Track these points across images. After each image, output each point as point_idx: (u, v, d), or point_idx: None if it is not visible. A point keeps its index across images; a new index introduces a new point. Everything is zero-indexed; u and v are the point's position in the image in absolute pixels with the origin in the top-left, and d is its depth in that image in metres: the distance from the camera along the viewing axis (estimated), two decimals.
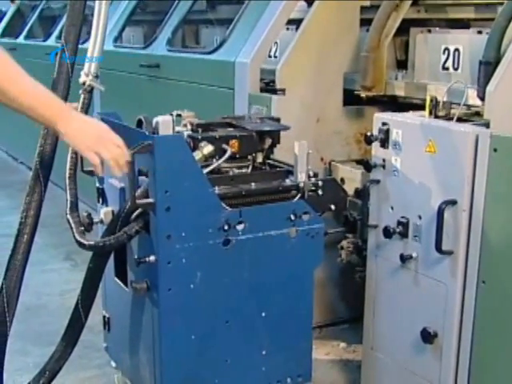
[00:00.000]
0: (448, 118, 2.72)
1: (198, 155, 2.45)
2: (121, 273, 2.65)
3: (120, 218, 2.37)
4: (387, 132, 2.80)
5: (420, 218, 2.70)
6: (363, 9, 3.66)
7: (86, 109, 2.64)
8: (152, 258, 2.31)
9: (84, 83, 2.65)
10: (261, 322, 2.53)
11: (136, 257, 2.39)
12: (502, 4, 2.72)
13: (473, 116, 2.77)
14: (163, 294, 2.33)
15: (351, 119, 3.74)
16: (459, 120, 2.68)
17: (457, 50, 3.07)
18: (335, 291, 3.88)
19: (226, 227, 2.38)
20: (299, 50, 3.56)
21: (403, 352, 2.87)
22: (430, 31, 3.24)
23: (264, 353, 2.56)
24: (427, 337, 2.70)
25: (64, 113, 2.16)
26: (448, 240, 2.58)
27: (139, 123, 2.55)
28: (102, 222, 2.55)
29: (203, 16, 5.42)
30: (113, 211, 2.54)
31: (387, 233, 2.82)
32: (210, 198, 2.35)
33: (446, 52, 3.11)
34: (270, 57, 3.93)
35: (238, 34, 3.93)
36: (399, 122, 2.77)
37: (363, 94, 3.38)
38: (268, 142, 2.67)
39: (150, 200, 2.28)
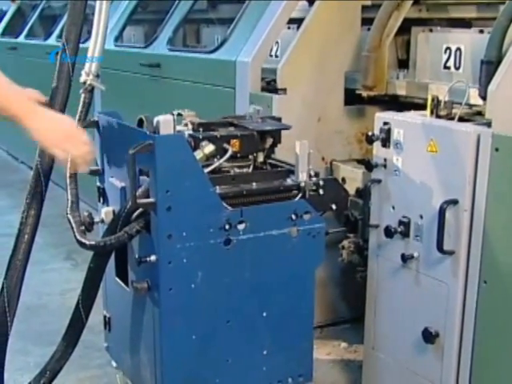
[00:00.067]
0: (449, 117, 2.71)
1: (198, 155, 2.45)
2: (121, 272, 2.64)
3: (121, 218, 2.37)
4: (388, 131, 2.80)
5: (421, 217, 2.70)
6: (364, 8, 3.66)
7: (87, 108, 2.64)
8: (153, 257, 2.30)
9: (85, 82, 2.64)
10: (262, 321, 2.53)
11: (137, 256, 2.38)
12: (503, 3, 2.72)
13: (474, 115, 2.77)
14: (164, 294, 2.33)
15: (352, 119, 3.73)
16: (461, 119, 2.68)
17: (458, 49, 3.07)
18: (336, 291, 3.88)
19: (227, 227, 2.37)
20: (300, 50, 3.55)
21: (404, 352, 2.86)
22: (431, 30, 3.24)
23: (265, 353, 2.56)
24: (428, 337, 2.70)
25: (31, 109, 2.16)
26: (449, 240, 2.57)
27: (140, 123, 2.55)
28: (102, 221, 2.54)
29: (204, 15, 5.42)
30: (114, 211, 2.54)
31: (388, 232, 2.82)
32: (211, 198, 2.35)
33: (448, 51, 3.11)
34: (271, 56, 3.92)
35: (239, 34, 3.93)
36: (400, 122, 2.77)
37: (364, 94, 3.38)
38: (269, 141, 2.67)
39: (151, 200, 2.27)
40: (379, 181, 2.89)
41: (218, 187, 2.42)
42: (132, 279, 2.53)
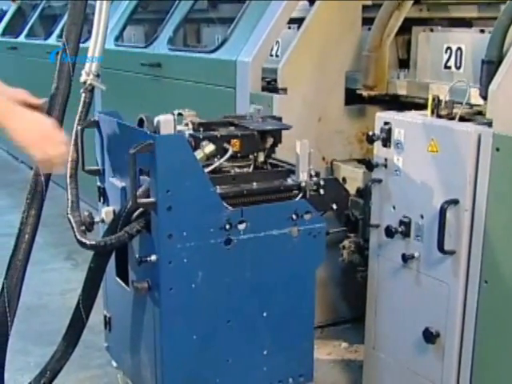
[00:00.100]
0: (450, 117, 2.71)
1: (199, 154, 2.44)
2: (122, 272, 2.64)
3: (121, 218, 2.37)
4: (389, 131, 2.79)
5: (422, 217, 2.70)
6: (365, 8, 3.65)
7: (87, 108, 2.64)
8: (153, 257, 2.30)
9: (85, 82, 2.64)
10: (262, 321, 2.52)
11: (137, 256, 2.38)
12: (504, 3, 2.71)
13: (475, 115, 2.76)
14: (164, 294, 2.32)
15: (353, 118, 3.73)
16: (461, 119, 2.67)
17: (459, 48, 3.06)
18: (337, 291, 3.88)
19: (227, 227, 2.37)
20: (301, 49, 3.55)
21: (405, 352, 2.86)
22: (432, 30, 3.23)
23: (265, 353, 2.56)
24: (429, 337, 2.70)
25: (9, 109, 2.16)
26: (450, 240, 2.57)
27: (140, 122, 2.54)
28: (103, 221, 2.54)
29: (204, 15, 5.42)
30: (114, 210, 2.54)
31: (389, 232, 2.82)
32: (211, 198, 2.35)
33: (449, 51, 3.11)
34: (271, 56, 3.92)
35: (239, 33, 3.93)
36: (401, 122, 2.76)
37: (365, 93, 3.38)
38: (269, 141, 2.66)
39: (152, 199, 2.27)
40: (380, 181, 2.89)
41: (218, 187, 2.41)
42: (132, 279, 2.52)
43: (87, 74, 2.63)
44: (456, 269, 2.59)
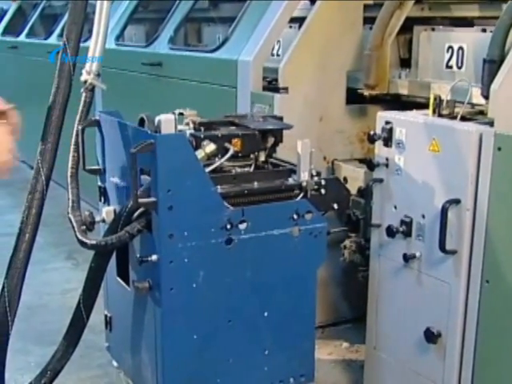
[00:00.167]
0: (452, 116, 2.71)
1: (200, 154, 2.44)
2: (123, 272, 2.64)
3: (122, 217, 2.36)
4: (390, 131, 2.79)
5: (423, 217, 2.69)
6: (366, 7, 3.65)
7: (88, 107, 2.63)
8: (154, 257, 2.30)
9: (86, 81, 2.64)
10: (263, 321, 2.52)
11: (138, 256, 2.38)
12: (506, 2, 2.71)
13: (477, 115, 2.76)
14: (165, 294, 2.32)
15: (354, 118, 3.73)
16: (463, 119, 2.67)
17: (461, 48, 3.06)
18: (338, 291, 3.87)
19: (228, 226, 2.37)
20: (302, 49, 3.55)
21: (406, 352, 2.86)
22: (433, 29, 3.23)
23: (266, 353, 2.55)
24: (431, 337, 2.69)
25: None
26: (452, 239, 2.57)
27: (141, 122, 2.54)
28: (103, 221, 2.54)
29: (205, 14, 5.41)
30: (115, 210, 2.53)
31: (390, 232, 2.81)
32: (212, 197, 2.34)
33: (450, 50, 3.10)
34: (272, 55, 3.92)
35: (240, 32, 3.92)
36: (402, 121, 2.76)
37: (366, 93, 3.38)
38: (271, 140, 2.66)
39: (152, 199, 2.26)
40: (381, 180, 2.88)
41: (219, 187, 2.41)
42: (133, 279, 2.52)
43: (88, 73, 2.63)
44: (457, 268, 2.58)
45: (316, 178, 2.55)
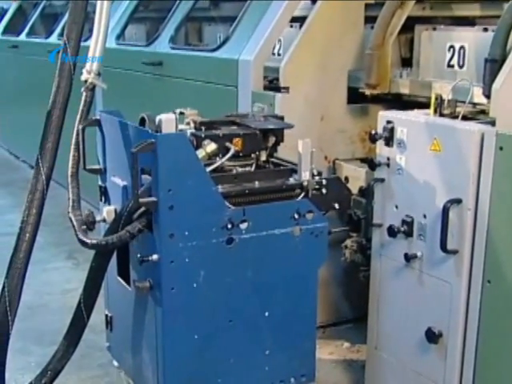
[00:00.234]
0: (453, 116, 2.70)
1: (201, 153, 2.44)
2: (123, 272, 2.63)
3: (123, 217, 2.36)
4: (392, 130, 2.78)
5: (425, 216, 2.69)
6: (368, 6, 3.64)
7: (89, 107, 2.63)
8: (155, 256, 2.29)
9: (86, 81, 2.63)
10: (264, 321, 2.52)
11: (139, 256, 2.37)
12: (507, 1, 2.70)
13: (478, 114, 2.76)
14: (166, 293, 2.32)
15: (355, 117, 3.72)
16: (464, 118, 2.67)
17: (462, 47, 3.05)
18: (339, 291, 3.87)
19: (229, 226, 2.36)
20: (303, 48, 3.54)
21: (408, 352, 2.85)
22: (435, 29, 3.22)
23: (267, 352, 2.55)
24: (432, 336, 2.69)
25: None
26: (453, 239, 2.56)
27: (142, 121, 2.53)
28: (104, 220, 2.53)
29: (206, 13, 5.41)
30: (115, 210, 2.53)
31: (392, 232, 2.81)
32: (213, 197, 2.34)
33: (451, 49, 3.10)
34: (273, 54, 3.91)
35: (241, 32, 3.92)
36: (404, 121, 2.75)
37: (367, 92, 3.37)
38: (272, 140, 2.66)
39: (153, 198, 2.26)
40: (382, 180, 2.87)
41: (220, 186, 2.41)
42: (134, 278, 2.52)
43: (88, 72, 2.62)
44: (459, 268, 2.58)
45: (317, 178, 2.55)
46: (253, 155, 2.62)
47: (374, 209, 2.95)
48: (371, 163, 2.92)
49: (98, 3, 2.62)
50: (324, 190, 2.56)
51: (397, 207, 2.82)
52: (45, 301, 4.34)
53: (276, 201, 2.49)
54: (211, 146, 2.47)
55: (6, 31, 8.60)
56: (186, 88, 4.29)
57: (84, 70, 2.64)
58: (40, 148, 2.51)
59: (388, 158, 2.83)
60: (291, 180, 2.56)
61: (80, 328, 2.56)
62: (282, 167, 2.64)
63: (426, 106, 2.86)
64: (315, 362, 2.69)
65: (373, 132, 2.86)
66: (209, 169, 2.42)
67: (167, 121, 2.39)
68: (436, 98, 2.72)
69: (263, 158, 2.66)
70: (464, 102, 2.71)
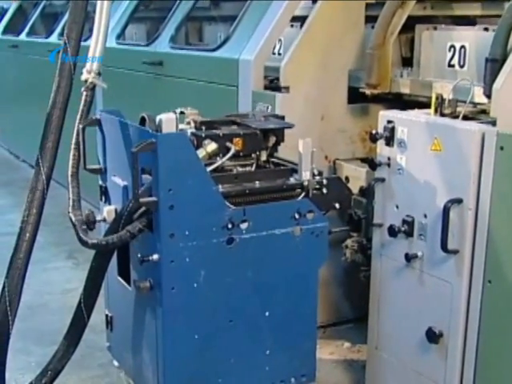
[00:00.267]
0: (454, 115, 2.70)
1: (201, 153, 2.43)
2: (124, 272, 2.63)
3: (123, 217, 2.36)
4: (392, 130, 2.78)
5: (425, 216, 2.68)
6: (368, 6, 3.64)
7: (89, 106, 2.63)
8: (155, 256, 2.29)
9: (86, 81, 2.63)
10: (264, 321, 2.51)
11: (139, 255, 2.37)
12: (508, 0, 2.70)
13: (479, 114, 2.75)
14: (166, 293, 2.32)
15: (356, 117, 3.72)
16: (465, 118, 2.66)
17: (463, 47, 3.05)
18: (339, 290, 3.87)
19: (229, 226, 2.36)
20: (304, 48, 3.54)
21: (408, 352, 2.85)
22: (435, 28, 3.22)
23: (268, 352, 2.55)
24: (432, 336, 2.69)
25: None
26: (453, 239, 2.56)
27: (142, 121, 2.53)
28: (104, 220, 2.53)
29: (206, 13, 5.41)
30: (116, 209, 2.53)
31: (392, 232, 2.80)
32: (213, 197, 2.34)
33: (452, 49, 3.09)
34: (274, 54, 3.90)
35: (241, 31, 3.91)
36: (404, 120, 2.75)
37: (368, 92, 3.37)
38: (272, 140, 2.65)
39: (154, 198, 2.26)
40: (383, 180, 2.87)
41: (220, 186, 2.40)
42: (134, 278, 2.51)
43: (88, 72, 2.62)
44: (459, 268, 2.57)
45: (317, 178, 2.55)
46: (253, 155, 2.62)
47: (375, 209, 2.94)
48: (372, 163, 2.92)
49: (98, 3, 2.62)
50: (324, 190, 2.56)
51: (397, 207, 2.82)
52: (45, 301, 4.34)
53: (276, 201, 2.48)
54: (211, 146, 2.47)
55: (6, 31, 8.60)
56: (187, 88, 4.29)
57: (84, 70, 2.64)
58: (40, 148, 2.51)
59: (388, 158, 2.83)
60: (292, 180, 2.56)
61: (80, 328, 2.56)
62: (282, 167, 2.64)
63: (426, 105, 2.85)
64: (316, 362, 2.68)
65: (373, 132, 2.86)
66: (209, 168, 2.41)
67: (167, 120, 2.39)
68: (437, 98, 2.72)
69: (263, 157, 2.66)
70: (465, 102, 2.71)
